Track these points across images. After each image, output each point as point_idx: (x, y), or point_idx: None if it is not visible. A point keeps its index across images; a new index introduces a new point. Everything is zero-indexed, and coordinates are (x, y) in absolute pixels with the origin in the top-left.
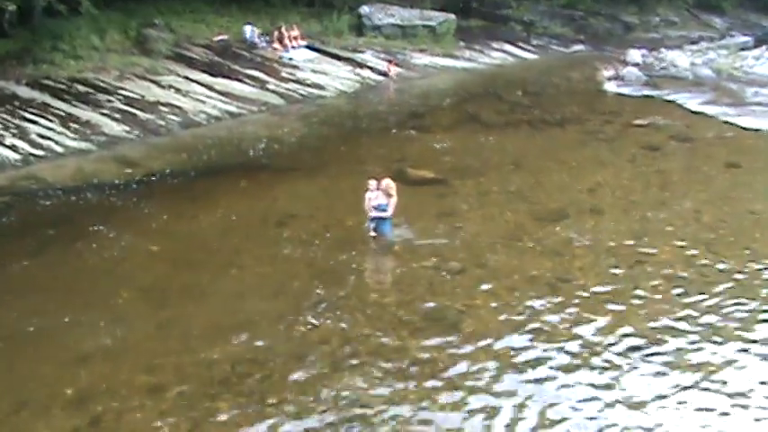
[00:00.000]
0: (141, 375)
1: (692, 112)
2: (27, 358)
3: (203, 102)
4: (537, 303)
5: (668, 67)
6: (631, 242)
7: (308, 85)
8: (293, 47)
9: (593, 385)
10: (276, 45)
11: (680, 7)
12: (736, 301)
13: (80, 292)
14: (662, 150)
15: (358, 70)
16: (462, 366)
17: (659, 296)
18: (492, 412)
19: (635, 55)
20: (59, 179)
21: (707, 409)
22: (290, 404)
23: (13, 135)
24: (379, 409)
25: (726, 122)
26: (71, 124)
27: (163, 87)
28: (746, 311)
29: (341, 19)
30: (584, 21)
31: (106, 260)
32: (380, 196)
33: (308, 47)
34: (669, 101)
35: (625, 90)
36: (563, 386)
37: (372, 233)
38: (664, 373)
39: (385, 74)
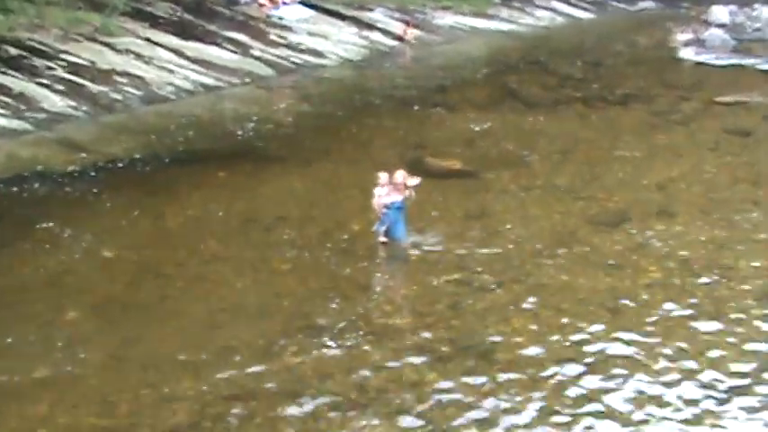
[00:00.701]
0: (89, 417)
1: None
2: None
3: (170, 71)
4: (592, 330)
5: (763, 27)
6: (713, 253)
7: (303, 52)
8: (284, 3)
9: None
10: (262, 0)
11: None
12: None
13: (19, 307)
14: (754, 135)
15: (366, 33)
16: (494, 409)
17: (750, 324)
18: None
19: (720, 13)
20: None
21: None
22: None
23: None
24: None
25: None
26: (0, 97)
27: (119, 52)
28: None
29: None
30: None
31: (52, 267)
32: (393, 193)
33: (302, 3)
34: (764, 71)
35: (707, 58)
36: None
37: (383, 238)
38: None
39: (400, 38)
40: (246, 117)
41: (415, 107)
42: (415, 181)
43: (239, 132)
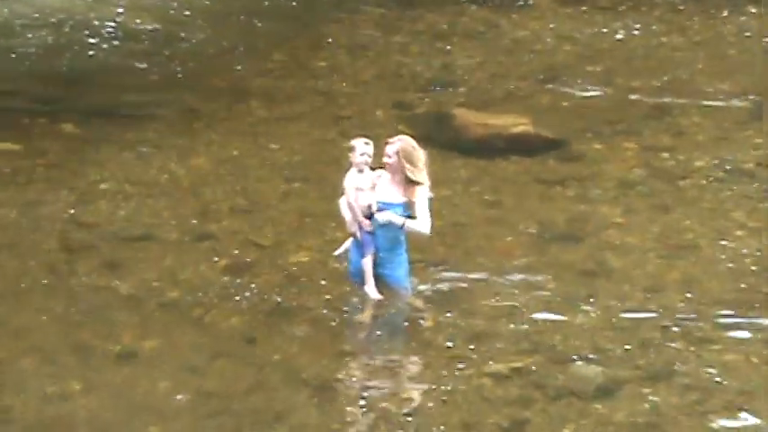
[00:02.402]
0: None
1: None
2: None
3: None
4: None
5: None
6: None
7: None
8: None
9: None
10: None
11: None
12: None
13: None
14: None
15: None
16: None
17: None
18: None
19: None
20: None
21: None
22: None
23: None
24: None
25: None
26: None
27: None
28: None
29: None
30: None
31: None
32: (384, 185)
33: None
34: None
35: None
36: None
37: (369, 287)
38: None
39: None
40: (63, 23)
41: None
42: (418, 156)
43: (47, 60)
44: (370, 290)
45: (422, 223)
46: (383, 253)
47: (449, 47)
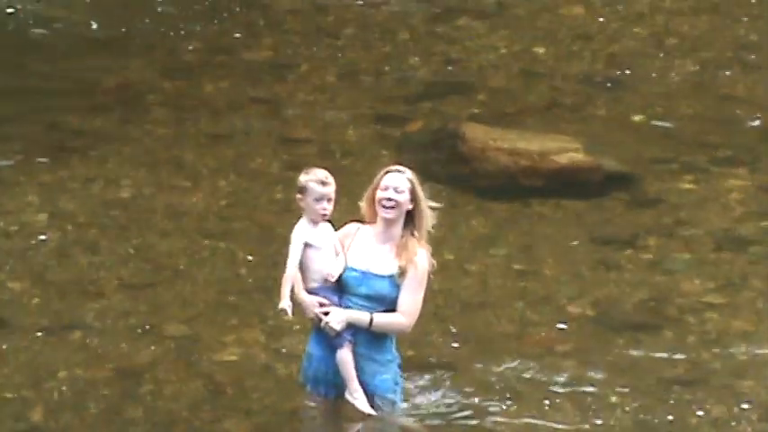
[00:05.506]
0: None
1: None
2: None
3: None
4: None
5: None
6: None
7: None
8: None
9: None
10: None
11: None
12: None
13: None
14: None
15: None
16: None
17: None
18: None
19: None
20: None
21: None
22: None
23: None
24: None
25: None
26: None
27: None
28: None
29: None
30: None
31: None
32: (366, 240)
33: None
34: None
35: None
36: None
37: (358, 396)
38: None
39: None
40: None
41: None
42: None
43: None
44: (360, 401)
45: (400, 316)
46: (361, 350)
47: (456, 29)
